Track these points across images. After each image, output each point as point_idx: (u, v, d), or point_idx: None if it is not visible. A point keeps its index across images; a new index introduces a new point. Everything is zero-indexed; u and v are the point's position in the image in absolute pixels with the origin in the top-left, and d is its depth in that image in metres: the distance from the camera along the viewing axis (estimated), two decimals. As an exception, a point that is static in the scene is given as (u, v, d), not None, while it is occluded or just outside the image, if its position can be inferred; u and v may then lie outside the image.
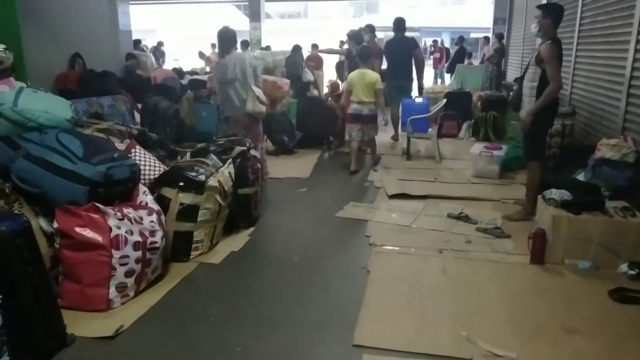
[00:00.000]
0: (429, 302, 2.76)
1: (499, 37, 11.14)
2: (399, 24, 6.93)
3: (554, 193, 3.35)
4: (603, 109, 5.05)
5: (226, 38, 4.61)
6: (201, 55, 13.45)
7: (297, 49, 8.40)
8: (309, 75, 8.30)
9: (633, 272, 3.00)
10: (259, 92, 4.57)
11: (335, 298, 2.87)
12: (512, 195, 4.58)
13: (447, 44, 18.20)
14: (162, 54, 14.27)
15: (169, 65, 13.66)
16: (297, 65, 7.49)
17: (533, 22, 3.88)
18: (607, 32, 5.09)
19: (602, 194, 3.41)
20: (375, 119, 5.53)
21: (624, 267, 3.06)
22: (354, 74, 5.49)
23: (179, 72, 8.98)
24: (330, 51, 8.82)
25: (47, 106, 2.97)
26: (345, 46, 8.34)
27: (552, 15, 3.76)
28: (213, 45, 14.65)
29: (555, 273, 3.12)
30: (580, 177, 4.15)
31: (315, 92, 7.80)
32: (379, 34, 10.48)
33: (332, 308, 2.74)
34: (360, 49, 6.14)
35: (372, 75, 5.43)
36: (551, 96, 3.71)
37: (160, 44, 14.66)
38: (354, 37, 6.68)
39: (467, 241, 3.60)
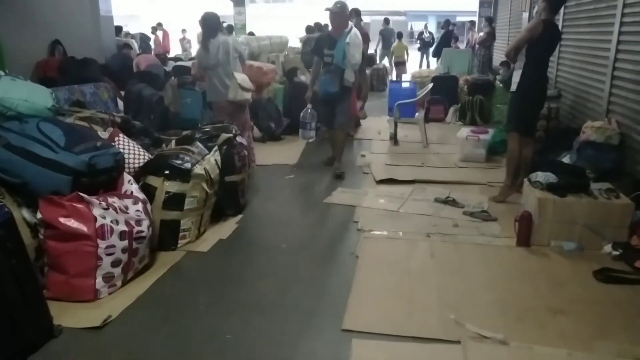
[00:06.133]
0: (417, 286, 2.78)
1: (490, 20, 11.06)
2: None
3: (540, 176, 3.38)
4: (588, 92, 5.08)
5: (210, 23, 4.52)
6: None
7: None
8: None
9: (617, 253, 3.05)
10: (241, 78, 4.47)
11: (324, 284, 2.87)
12: (499, 178, 4.58)
13: (433, 28, 17.98)
14: (148, 46, 14.02)
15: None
16: None
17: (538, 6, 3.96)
18: (592, 14, 5.11)
19: (587, 176, 3.45)
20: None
21: (608, 247, 3.10)
22: (395, 45, 12.29)
23: (162, 59, 8.82)
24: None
25: (26, 94, 2.89)
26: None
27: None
28: (184, 31, 14.63)
29: (541, 255, 3.16)
30: (566, 159, 4.20)
31: (302, 78, 7.72)
32: (365, 18, 10.37)
33: (321, 294, 2.75)
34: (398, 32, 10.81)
35: (403, 45, 12.34)
36: (507, 51, 3.94)
37: (148, 38, 14.42)
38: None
39: (454, 225, 3.63)
